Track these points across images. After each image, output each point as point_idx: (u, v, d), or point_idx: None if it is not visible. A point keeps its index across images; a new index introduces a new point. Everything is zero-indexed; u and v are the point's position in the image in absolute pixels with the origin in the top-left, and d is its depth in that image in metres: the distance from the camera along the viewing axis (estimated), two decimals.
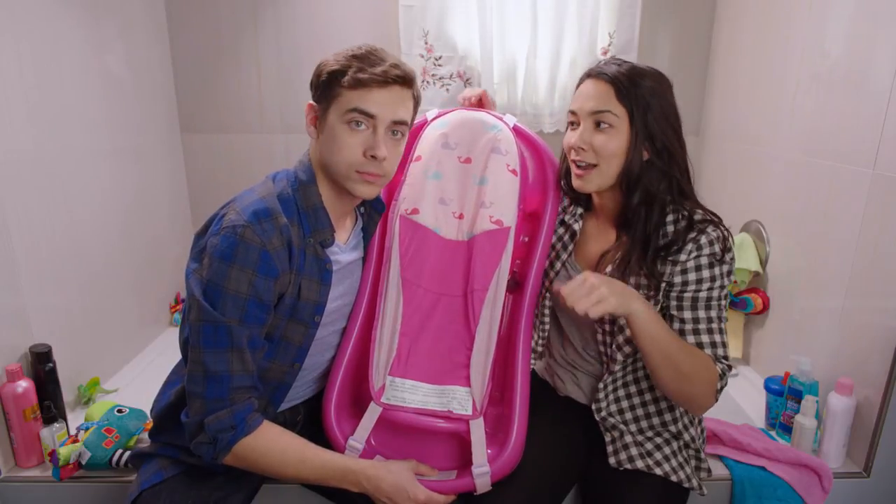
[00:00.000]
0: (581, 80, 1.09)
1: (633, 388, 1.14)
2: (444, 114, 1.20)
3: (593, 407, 1.16)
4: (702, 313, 1.04)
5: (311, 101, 1.02)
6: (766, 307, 1.73)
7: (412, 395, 1.07)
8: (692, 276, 1.04)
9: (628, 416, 1.14)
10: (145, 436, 1.28)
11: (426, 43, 2.08)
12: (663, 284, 1.05)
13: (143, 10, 1.93)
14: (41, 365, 1.34)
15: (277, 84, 2.15)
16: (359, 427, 1.07)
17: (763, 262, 1.75)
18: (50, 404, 1.34)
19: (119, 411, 1.33)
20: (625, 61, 1.07)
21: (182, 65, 2.12)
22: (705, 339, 1.04)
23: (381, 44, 1.01)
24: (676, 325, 1.05)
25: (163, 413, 1.07)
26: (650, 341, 0.98)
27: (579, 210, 1.17)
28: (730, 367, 1.04)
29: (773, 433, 1.46)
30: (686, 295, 1.04)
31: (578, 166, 1.08)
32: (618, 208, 1.11)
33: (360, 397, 1.13)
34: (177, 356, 1.08)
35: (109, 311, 1.73)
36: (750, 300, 1.73)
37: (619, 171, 1.06)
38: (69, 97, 1.55)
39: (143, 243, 1.92)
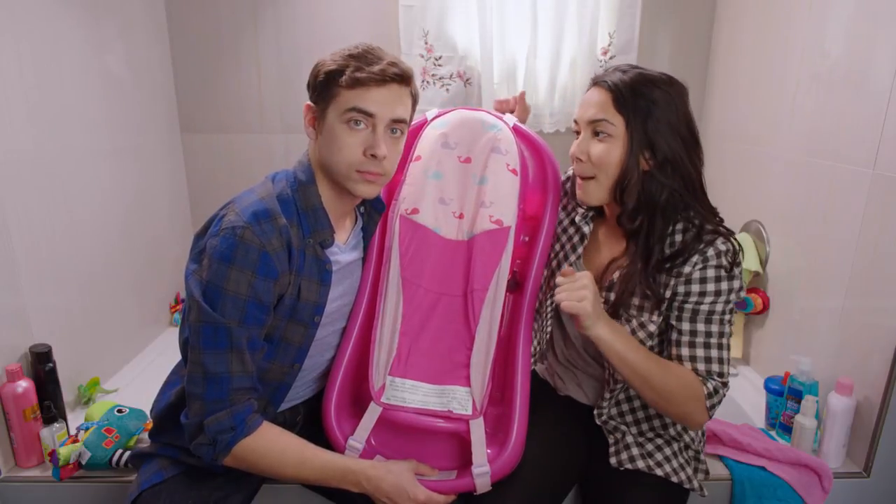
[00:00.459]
0: (588, 88, 1.07)
1: (632, 391, 1.14)
2: (443, 113, 1.20)
3: (595, 412, 1.16)
4: (700, 326, 1.02)
5: (309, 102, 1.02)
6: (766, 307, 1.73)
7: (412, 394, 1.07)
8: (695, 288, 1.01)
9: (629, 418, 1.14)
10: (145, 436, 1.28)
11: (426, 43, 2.08)
12: (666, 296, 1.02)
13: (143, 10, 1.93)
14: (41, 365, 1.34)
15: (277, 84, 2.15)
16: (359, 427, 1.07)
17: (763, 262, 1.75)
18: (50, 404, 1.34)
19: (119, 411, 1.33)
20: (634, 67, 1.03)
21: (182, 65, 2.12)
22: (700, 353, 1.02)
23: (381, 44, 1.01)
24: (674, 336, 1.04)
25: (163, 413, 1.07)
26: (619, 362, 0.99)
27: (591, 213, 1.15)
28: (725, 384, 1.02)
29: (773, 433, 1.46)
30: (687, 306, 1.02)
31: (580, 177, 1.07)
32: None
33: (360, 397, 1.13)
34: (177, 356, 1.08)
35: (109, 311, 1.73)
36: (750, 300, 1.73)
37: (614, 182, 1.04)
38: (69, 97, 1.55)
39: (143, 243, 1.92)
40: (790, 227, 1.65)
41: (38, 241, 1.42)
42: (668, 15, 2.13)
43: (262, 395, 1.04)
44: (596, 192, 1.06)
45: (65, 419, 1.38)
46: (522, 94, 1.28)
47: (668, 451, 1.12)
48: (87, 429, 1.31)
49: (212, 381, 0.93)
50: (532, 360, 1.16)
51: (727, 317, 1.03)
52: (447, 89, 2.13)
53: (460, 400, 1.06)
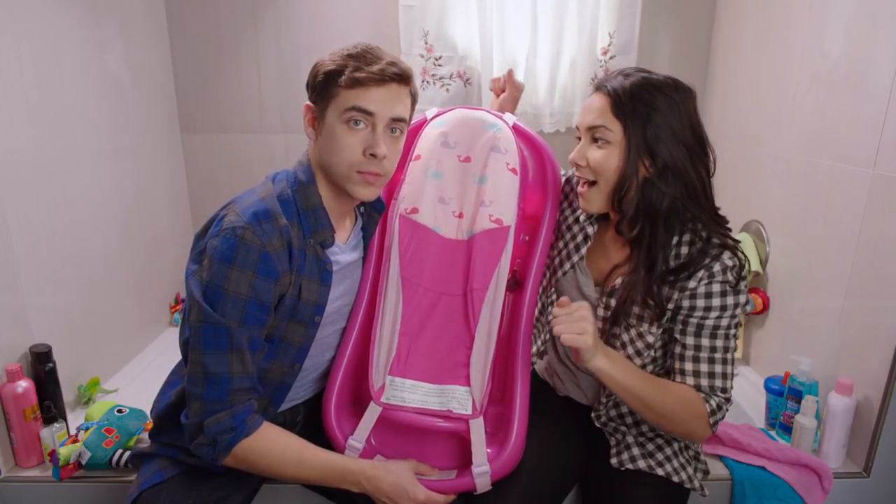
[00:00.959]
0: (590, 93, 1.06)
1: None
2: (443, 112, 1.20)
3: (592, 415, 1.16)
4: (705, 341, 1.01)
5: (308, 102, 1.02)
6: (766, 307, 1.73)
7: (412, 394, 1.07)
8: (701, 303, 1.00)
9: (629, 419, 1.14)
10: (145, 436, 1.28)
11: (426, 43, 2.08)
12: (668, 309, 1.02)
13: (143, 10, 1.93)
14: (41, 365, 1.34)
15: (277, 84, 2.15)
16: (359, 427, 1.07)
17: (763, 262, 1.75)
18: (50, 404, 1.34)
19: (119, 411, 1.33)
20: (640, 71, 1.01)
21: (182, 65, 2.12)
22: (704, 367, 1.01)
23: (381, 44, 1.01)
24: (678, 350, 1.03)
25: (163, 413, 1.07)
26: (619, 389, 0.99)
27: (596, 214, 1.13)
28: (728, 399, 1.01)
29: (773, 433, 1.46)
30: (692, 320, 1.01)
31: (582, 184, 1.06)
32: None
33: (359, 397, 1.13)
34: (177, 356, 1.08)
35: (109, 311, 1.73)
36: (750, 300, 1.73)
37: (613, 188, 1.02)
38: (69, 97, 1.55)
39: (143, 243, 1.92)
40: (790, 227, 1.65)
41: (38, 241, 1.42)
42: (668, 15, 2.13)
43: (262, 396, 1.04)
44: (596, 199, 1.05)
45: (65, 419, 1.38)
46: (511, 72, 1.27)
47: (668, 450, 1.12)
48: (87, 429, 1.31)
49: (212, 382, 0.93)
50: (532, 358, 1.16)
51: (732, 331, 1.02)
52: (447, 89, 2.13)
53: (460, 399, 1.06)
